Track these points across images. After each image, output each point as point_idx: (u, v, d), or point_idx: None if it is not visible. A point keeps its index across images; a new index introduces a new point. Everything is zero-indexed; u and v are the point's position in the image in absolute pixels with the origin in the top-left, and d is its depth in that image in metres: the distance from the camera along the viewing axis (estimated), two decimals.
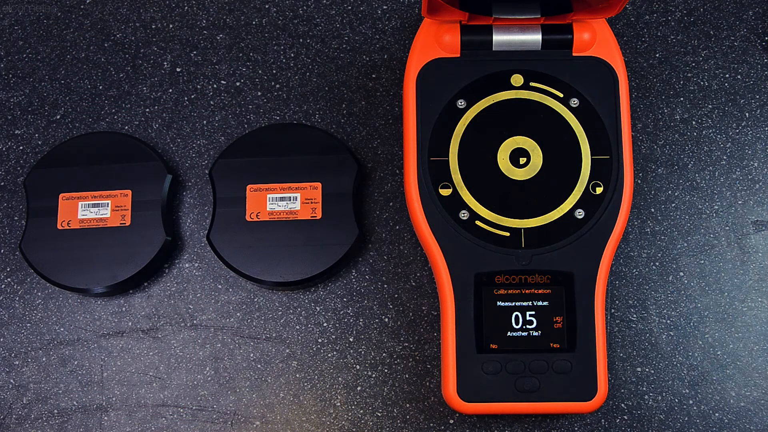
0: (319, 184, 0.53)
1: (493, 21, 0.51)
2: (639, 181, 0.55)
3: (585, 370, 0.48)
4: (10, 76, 0.59)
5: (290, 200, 0.53)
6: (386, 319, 0.54)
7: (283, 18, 0.59)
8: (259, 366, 0.53)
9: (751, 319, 0.53)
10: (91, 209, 0.53)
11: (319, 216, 0.52)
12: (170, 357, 0.53)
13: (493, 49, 0.51)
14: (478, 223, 0.50)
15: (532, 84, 0.51)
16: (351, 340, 0.53)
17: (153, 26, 0.59)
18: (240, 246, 0.52)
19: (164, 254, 0.53)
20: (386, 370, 0.53)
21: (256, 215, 0.53)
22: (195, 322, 0.54)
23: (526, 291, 0.49)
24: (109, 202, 0.53)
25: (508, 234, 0.49)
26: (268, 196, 0.53)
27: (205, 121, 0.57)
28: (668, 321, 0.53)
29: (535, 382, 0.48)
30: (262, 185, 0.53)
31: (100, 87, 0.58)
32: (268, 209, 0.53)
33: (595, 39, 0.51)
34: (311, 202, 0.53)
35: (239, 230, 0.52)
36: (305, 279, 0.52)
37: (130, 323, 0.54)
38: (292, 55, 0.58)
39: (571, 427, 0.52)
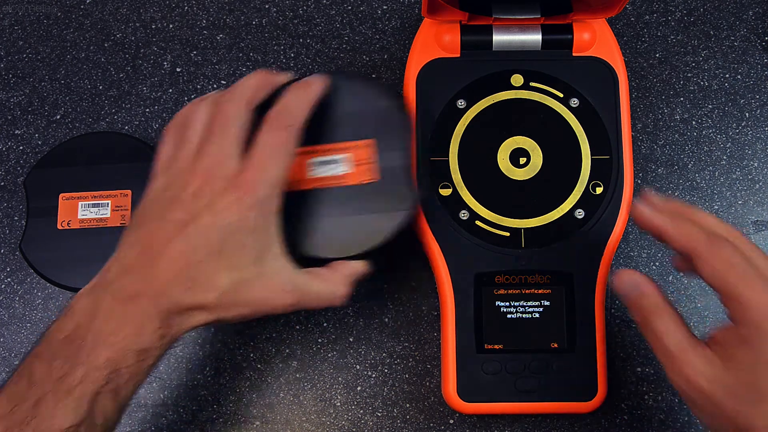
0: None
1: (493, 21, 0.51)
2: (639, 181, 0.55)
3: (585, 370, 0.48)
4: (10, 76, 0.59)
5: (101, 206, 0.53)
6: (386, 319, 0.54)
7: (283, 18, 0.59)
8: (259, 366, 0.53)
9: None
10: (91, 209, 0.53)
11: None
12: (170, 357, 0.53)
13: (493, 49, 0.51)
14: (478, 223, 0.50)
15: (532, 84, 0.51)
16: (351, 340, 0.53)
17: (153, 26, 0.59)
18: None
19: None
20: (386, 370, 0.53)
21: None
22: None
23: (526, 291, 0.49)
24: (109, 202, 0.53)
25: (508, 234, 0.49)
26: None
27: None
28: None
29: (535, 382, 0.48)
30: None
31: (100, 87, 0.58)
32: None
33: (595, 39, 0.51)
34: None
35: None
36: None
37: None
38: (292, 55, 0.58)
39: (571, 427, 0.52)
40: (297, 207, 0.45)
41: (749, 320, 0.36)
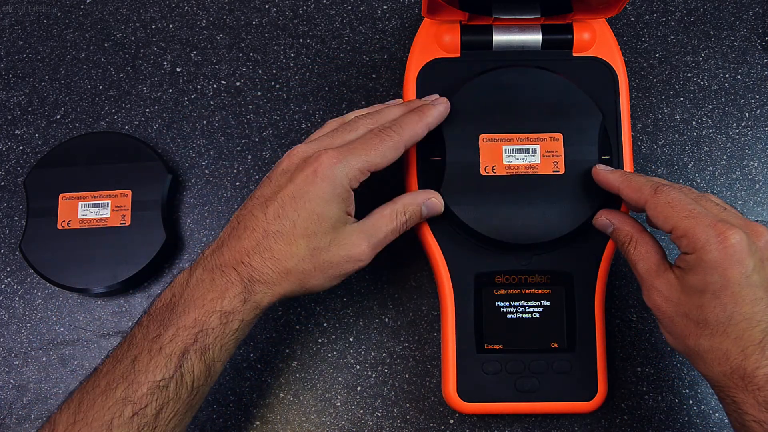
0: None
1: (493, 21, 0.51)
2: None
3: (585, 370, 0.48)
4: (10, 76, 0.59)
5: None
6: (386, 319, 0.54)
7: (283, 18, 0.59)
8: (259, 366, 0.53)
9: None
10: (91, 209, 0.53)
11: None
12: None
13: (493, 49, 0.51)
14: None
15: None
16: (351, 340, 0.53)
17: (153, 26, 0.59)
18: None
19: (164, 254, 0.53)
20: (386, 370, 0.53)
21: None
22: None
23: (526, 291, 0.49)
24: (109, 202, 0.53)
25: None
26: None
27: (205, 121, 0.57)
28: None
29: (535, 382, 0.48)
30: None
31: (100, 87, 0.58)
32: None
33: (595, 39, 0.51)
34: None
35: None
36: None
37: (130, 323, 0.54)
38: (292, 55, 0.58)
39: (571, 427, 0.52)
40: (488, 190, 0.48)
41: (698, 251, 0.39)
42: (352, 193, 0.44)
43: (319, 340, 0.53)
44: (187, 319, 0.41)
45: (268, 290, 0.43)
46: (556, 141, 0.48)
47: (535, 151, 0.48)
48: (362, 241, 0.44)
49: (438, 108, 0.47)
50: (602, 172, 0.46)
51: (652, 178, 0.44)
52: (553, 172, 0.48)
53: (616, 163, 0.50)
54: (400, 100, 0.50)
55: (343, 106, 0.57)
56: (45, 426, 0.41)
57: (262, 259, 0.42)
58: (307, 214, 0.42)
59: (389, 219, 0.45)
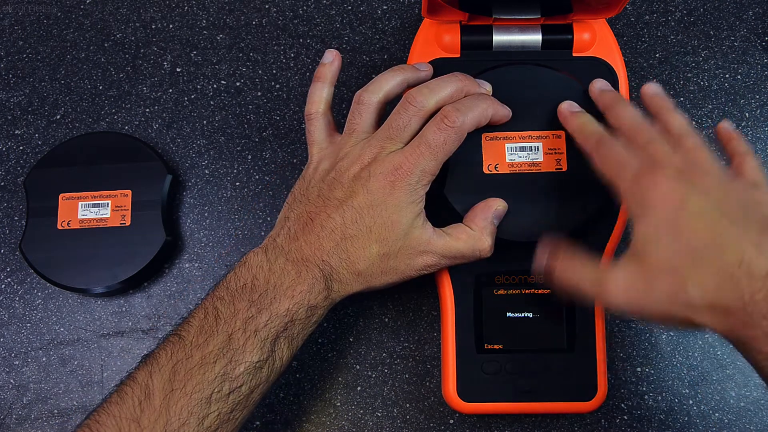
0: None
1: (493, 21, 0.51)
2: None
3: (584, 370, 0.48)
4: (10, 76, 0.59)
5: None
6: (386, 319, 0.54)
7: (283, 18, 0.59)
8: None
9: None
10: (91, 209, 0.53)
11: None
12: None
13: (493, 49, 0.51)
14: None
15: None
16: (351, 340, 0.53)
17: (153, 26, 0.59)
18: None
19: (164, 254, 0.53)
20: (386, 370, 0.53)
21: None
22: None
23: (526, 291, 0.49)
24: (109, 202, 0.53)
25: None
26: None
27: (205, 121, 0.57)
28: None
29: (535, 382, 0.48)
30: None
31: (100, 87, 0.58)
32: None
33: (595, 39, 0.51)
34: None
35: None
36: None
37: (130, 323, 0.54)
38: (292, 55, 0.58)
39: (571, 427, 0.52)
40: (492, 188, 0.48)
41: (626, 203, 0.41)
42: (424, 196, 0.45)
43: (319, 340, 0.53)
44: (280, 308, 0.42)
45: (342, 289, 0.45)
46: (558, 138, 0.48)
47: (538, 148, 0.48)
48: (428, 258, 0.46)
49: (505, 111, 0.48)
50: (565, 112, 0.47)
51: (619, 109, 0.45)
52: (556, 169, 0.48)
53: None
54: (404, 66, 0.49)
55: (343, 106, 0.57)
56: (130, 384, 0.40)
57: (340, 260, 0.44)
58: (383, 220, 0.44)
59: (464, 243, 0.46)
